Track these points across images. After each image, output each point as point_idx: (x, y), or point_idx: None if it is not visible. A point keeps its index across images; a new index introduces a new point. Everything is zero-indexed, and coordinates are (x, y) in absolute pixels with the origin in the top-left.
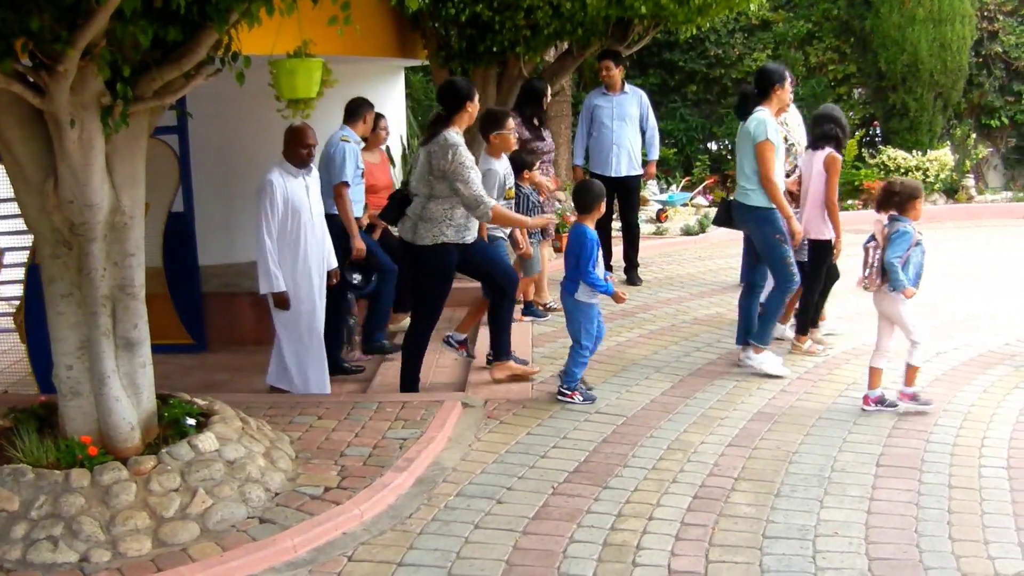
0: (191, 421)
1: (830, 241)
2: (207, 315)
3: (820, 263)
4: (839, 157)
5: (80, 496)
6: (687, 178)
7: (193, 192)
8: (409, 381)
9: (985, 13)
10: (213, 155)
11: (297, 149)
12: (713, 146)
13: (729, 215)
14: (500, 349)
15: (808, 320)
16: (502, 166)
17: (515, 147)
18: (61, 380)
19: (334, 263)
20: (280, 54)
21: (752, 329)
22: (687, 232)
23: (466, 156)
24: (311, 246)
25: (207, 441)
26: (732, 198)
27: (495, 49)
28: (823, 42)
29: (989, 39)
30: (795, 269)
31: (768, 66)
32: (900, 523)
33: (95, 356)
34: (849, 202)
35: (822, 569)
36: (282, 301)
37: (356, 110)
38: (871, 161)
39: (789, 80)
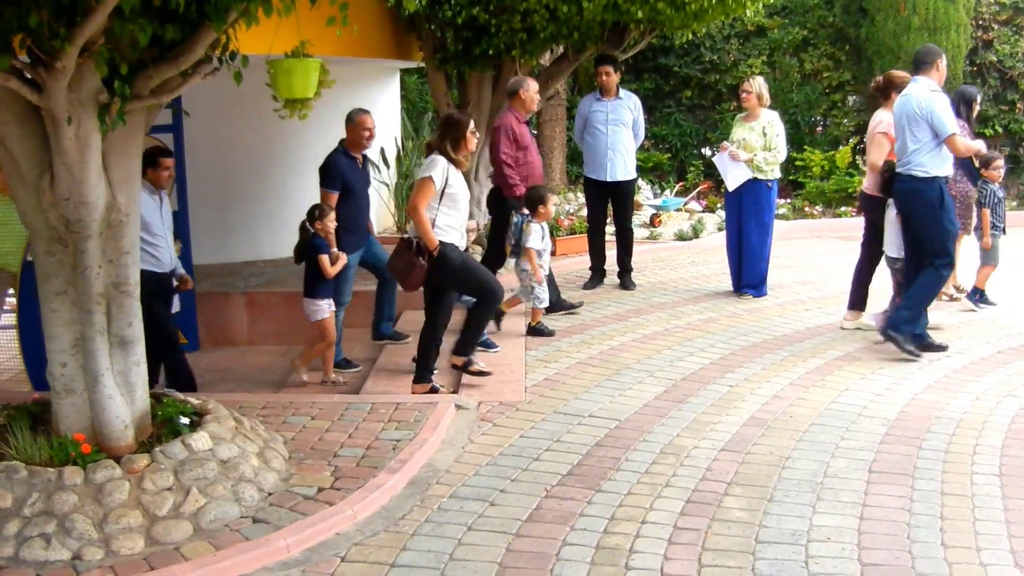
0: (185, 420)
1: None
2: (200, 315)
3: None
4: None
5: (73, 494)
6: (681, 183)
7: (187, 191)
8: None
9: (980, 22)
10: (208, 154)
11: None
12: (707, 151)
13: None
14: None
15: None
16: None
17: None
18: (55, 377)
19: None
20: (278, 54)
21: None
22: (680, 237)
23: None
24: None
25: (200, 440)
26: None
27: (491, 52)
28: (818, 49)
29: (984, 48)
30: None
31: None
32: (892, 529)
33: (89, 354)
34: (843, 209)
35: (814, 574)
36: None
37: (925, 57)
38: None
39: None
